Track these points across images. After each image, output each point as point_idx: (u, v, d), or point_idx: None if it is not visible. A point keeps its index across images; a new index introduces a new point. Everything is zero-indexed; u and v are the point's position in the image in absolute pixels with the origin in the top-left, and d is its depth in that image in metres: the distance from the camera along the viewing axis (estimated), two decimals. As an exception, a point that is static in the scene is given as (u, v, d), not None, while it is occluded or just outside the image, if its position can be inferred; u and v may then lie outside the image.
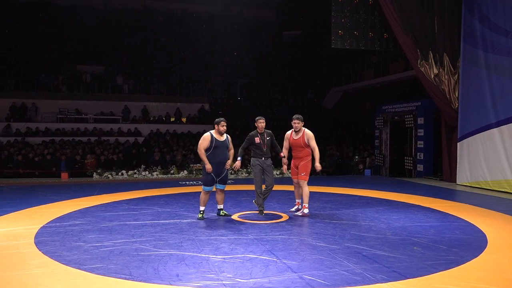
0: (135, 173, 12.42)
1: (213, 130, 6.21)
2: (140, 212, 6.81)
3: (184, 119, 20.37)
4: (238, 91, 22.92)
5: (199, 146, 6.12)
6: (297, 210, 6.81)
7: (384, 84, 17.93)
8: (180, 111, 20.34)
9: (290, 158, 6.69)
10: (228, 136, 6.32)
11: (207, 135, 6.13)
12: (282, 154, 6.60)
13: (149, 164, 13.11)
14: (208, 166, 6.03)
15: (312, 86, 23.67)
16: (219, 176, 6.18)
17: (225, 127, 6.15)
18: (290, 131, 6.66)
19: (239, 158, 6.39)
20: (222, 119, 6.19)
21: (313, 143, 6.50)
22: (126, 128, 18.58)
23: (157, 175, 12.40)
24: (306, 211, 6.51)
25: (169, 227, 5.69)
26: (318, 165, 6.50)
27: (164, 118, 19.91)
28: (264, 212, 6.55)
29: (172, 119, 20.24)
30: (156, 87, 21.48)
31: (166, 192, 9.14)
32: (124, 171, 12.41)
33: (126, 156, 14.45)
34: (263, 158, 6.40)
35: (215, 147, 6.07)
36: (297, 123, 6.48)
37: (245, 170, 12.68)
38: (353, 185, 10.49)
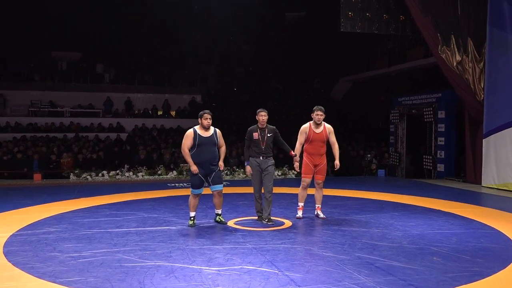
0: (117, 174, 12.42)
1: (198, 126, 6.14)
2: (123, 218, 6.81)
3: (173, 113, 20.36)
4: (235, 81, 22.87)
5: (182, 145, 6.09)
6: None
7: (400, 73, 17.92)
8: (168, 103, 20.31)
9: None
10: (217, 131, 6.21)
11: (189, 131, 6.09)
12: (293, 153, 6.50)
13: (133, 164, 13.10)
14: (193, 168, 5.97)
15: (319, 75, 23.64)
16: (208, 177, 6.11)
17: (209, 120, 6.05)
18: (307, 125, 6.67)
19: (247, 163, 6.40)
20: (206, 111, 6.13)
21: (334, 138, 6.67)
22: (107, 123, 18.55)
23: (142, 176, 12.40)
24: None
25: (157, 235, 5.69)
26: (337, 163, 6.60)
27: (150, 112, 19.88)
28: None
29: (160, 113, 20.23)
30: (141, 76, 21.42)
31: (153, 196, 9.15)
32: (105, 172, 12.41)
33: (107, 154, 14.44)
34: (261, 157, 6.35)
35: (199, 145, 6.00)
36: (320, 114, 6.56)
37: (242, 170, 12.68)
38: (365, 187, 10.51)
